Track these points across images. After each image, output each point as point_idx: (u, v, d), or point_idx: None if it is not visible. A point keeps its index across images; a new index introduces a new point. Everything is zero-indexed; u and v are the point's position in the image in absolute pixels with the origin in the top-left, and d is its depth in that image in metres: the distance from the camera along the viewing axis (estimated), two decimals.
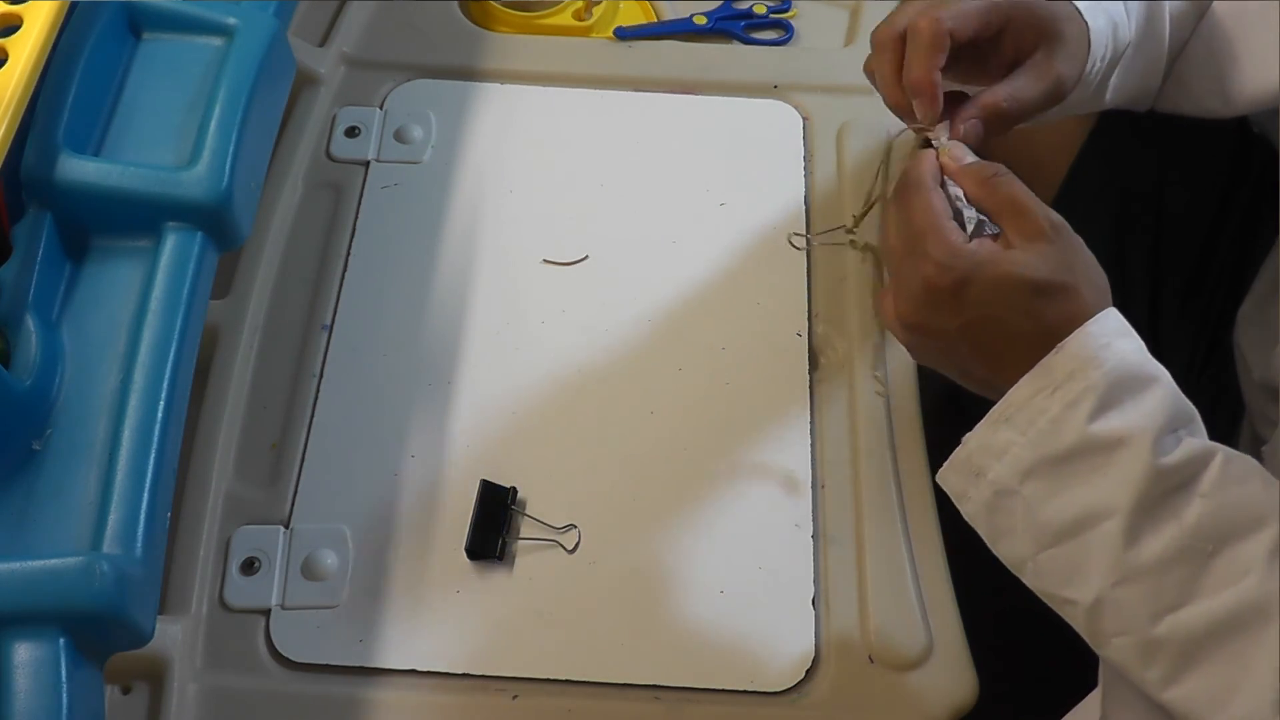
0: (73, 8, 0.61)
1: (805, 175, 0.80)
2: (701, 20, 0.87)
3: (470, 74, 0.84)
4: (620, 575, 0.64)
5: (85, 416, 0.55)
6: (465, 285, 0.74)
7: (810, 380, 0.71)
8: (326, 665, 0.61)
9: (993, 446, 0.53)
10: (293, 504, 0.66)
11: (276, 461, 0.68)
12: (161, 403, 0.54)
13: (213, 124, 0.61)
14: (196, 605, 0.63)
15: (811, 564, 0.65)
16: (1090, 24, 0.63)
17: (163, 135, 0.62)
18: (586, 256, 0.76)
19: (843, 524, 0.66)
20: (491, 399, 0.70)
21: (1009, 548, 0.54)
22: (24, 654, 0.47)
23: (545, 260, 0.76)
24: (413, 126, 0.81)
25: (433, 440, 0.68)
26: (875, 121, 0.82)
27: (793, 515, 0.66)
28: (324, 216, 0.77)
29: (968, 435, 0.55)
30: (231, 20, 0.64)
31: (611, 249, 0.76)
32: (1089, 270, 0.54)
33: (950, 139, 0.59)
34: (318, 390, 0.70)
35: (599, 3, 0.88)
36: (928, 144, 0.60)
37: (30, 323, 0.55)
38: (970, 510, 0.55)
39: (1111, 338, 0.52)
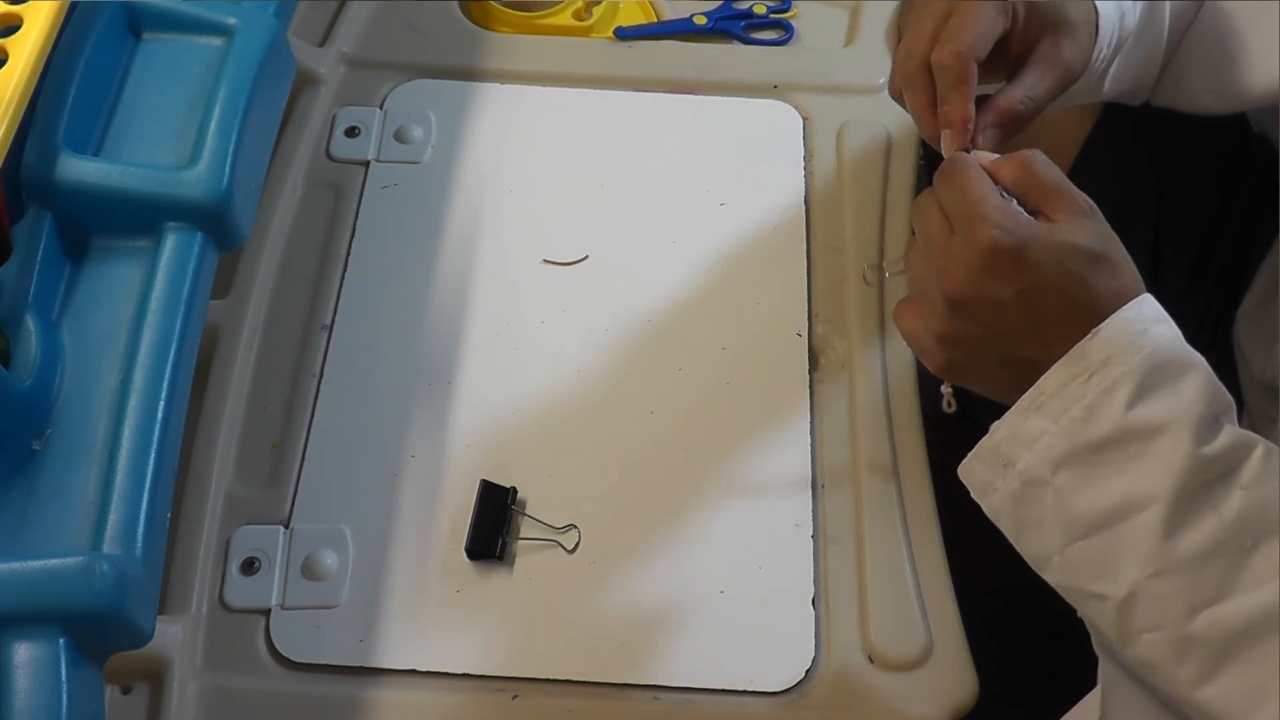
0: (73, 8, 0.61)
1: (805, 175, 0.80)
2: (701, 20, 0.87)
3: (470, 74, 0.84)
4: (620, 575, 0.64)
5: (85, 416, 0.55)
6: (465, 285, 0.74)
7: (810, 380, 0.71)
8: (326, 665, 0.61)
9: (1023, 435, 0.52)
10: (293, 504, 0.66)
11: (276, 461, 0.68)
12: (161, 403, 0.54)
13: (213, 124, 0.61)
14: (196, 605, 0.63)
15: (811, 564, 0.65)
16: (1100, 9, 0.62)
17: (163, 135, 0.62)
18: (586, 256, 0.76)
19: (843, 524, 0.66)
20: (491, 399, 0.70)
21: (1035, 541, 0.53)
22: (24, 654, 0.47)
23: (545, 260, 0.76)
24: (413, 126, 0.81)
25: (433, 440, 0.68)
26: (875, 121, 0.82)
27: (793, 515, 0.66)
28: (324, 216, 0.77)
29: (995, 424, 0.53)
30: (231, 20, 0.64)
31: (611, 249, 0.76)
32: (1125, 250, 0.54)
33: (975, 150, 0.59)
34: (318, 390, 0.70)
35: (599, 3, 0.88)
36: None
37: (30, 323, 0.55)
38: (995, 503, 0.54)
39: (1148, 323, 0.51)
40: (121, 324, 0.57)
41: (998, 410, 0.54)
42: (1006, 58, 0.62)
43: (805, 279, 0.75)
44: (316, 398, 0.70)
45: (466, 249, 0.76)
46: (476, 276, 0.75)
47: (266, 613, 0.63)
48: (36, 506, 0.52)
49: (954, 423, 0.61)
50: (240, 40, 0.64)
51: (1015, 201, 0.55)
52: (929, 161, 0.81)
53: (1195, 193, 0.84)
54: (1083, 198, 0.54)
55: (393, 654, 0.62)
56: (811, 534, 0.66)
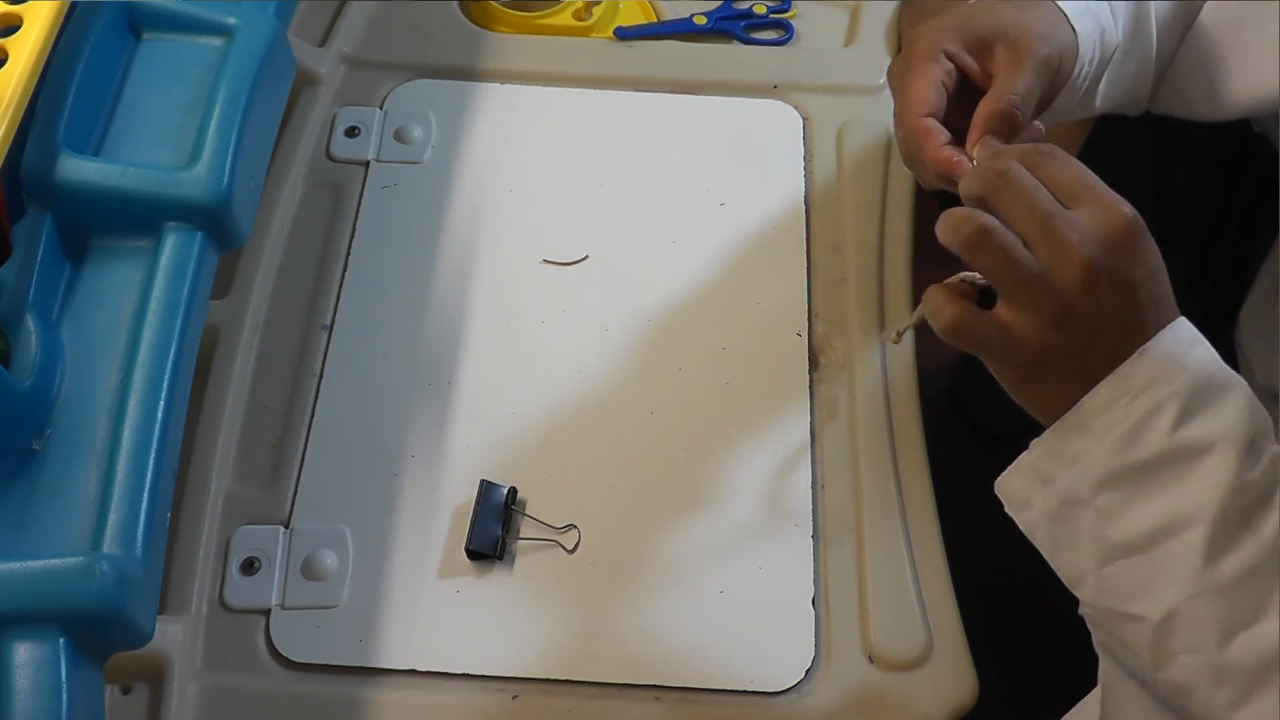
0: (73, 8, 0.61)
1: (805, 175, 0.80)
2: (701, 20, 0.87)
3: (470, 74, 0.84)
4: (620, 575, 0.64)
5: (85, 416, 0.55)
6: (465, 285, 0.74)
7: (810, 380, 0.71)
8: (326, 665, 0.61)
9: (1063, 454, 0.51)
10: (293, 504, 0.66)
11: (276, 461, 0.68)
12: (161, 403, 0.54)
13: (213, 124, 0.61)
14: (196, 605, 0.63)
15: (811, 564, 0.65)
16: (1078, 27, 0.63)
17: (163, 135, 0.62)
18: (586, 256, 0.76)
19: (843, 524, 0.66)
20: (491, 399, 0.70)
21: (1071, 560, 0.52)
22: (24, 654, 0.47)
23: (545, 260, 0.76)
24: (413, 126, 0.81)
25: (433, 440, 0.68)
26: (875, 121, 0.82)
27: (793, 515, 0.66)
28: (324, 216, 0.77)
29: (1034, 441, 0.53)
30: (231, 20, 0.64)
31: (611, 249, 0.76)
32: None
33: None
34: (318, 390, 0.70)
35: (599, 3, 0.88)
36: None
37: (30, 323, 0.55)
38: (1031, 519, 0.53)
39: (1187, 345, 0.51)
40: (121, 324, 0.57)
41: (997, 409, 0.54)
42: (981, 89, 0.62)
43: (805, 279, 0.75)
44: (316, 398, 0.70)
45: (466, 249, 0.76)
46: (476, 277, 0.75)
47: (266, 613, 0.63)
48: (36, 506, 0.52)
49: (954, 423, 0.61)
50: (240, 40, 0.64)
51: None
52: None
53: (1195, 194, 0.84)
54: None
55: (393, 654, 0.62)
56: (811, 534, 0.66)
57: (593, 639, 0.62)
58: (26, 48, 0.56)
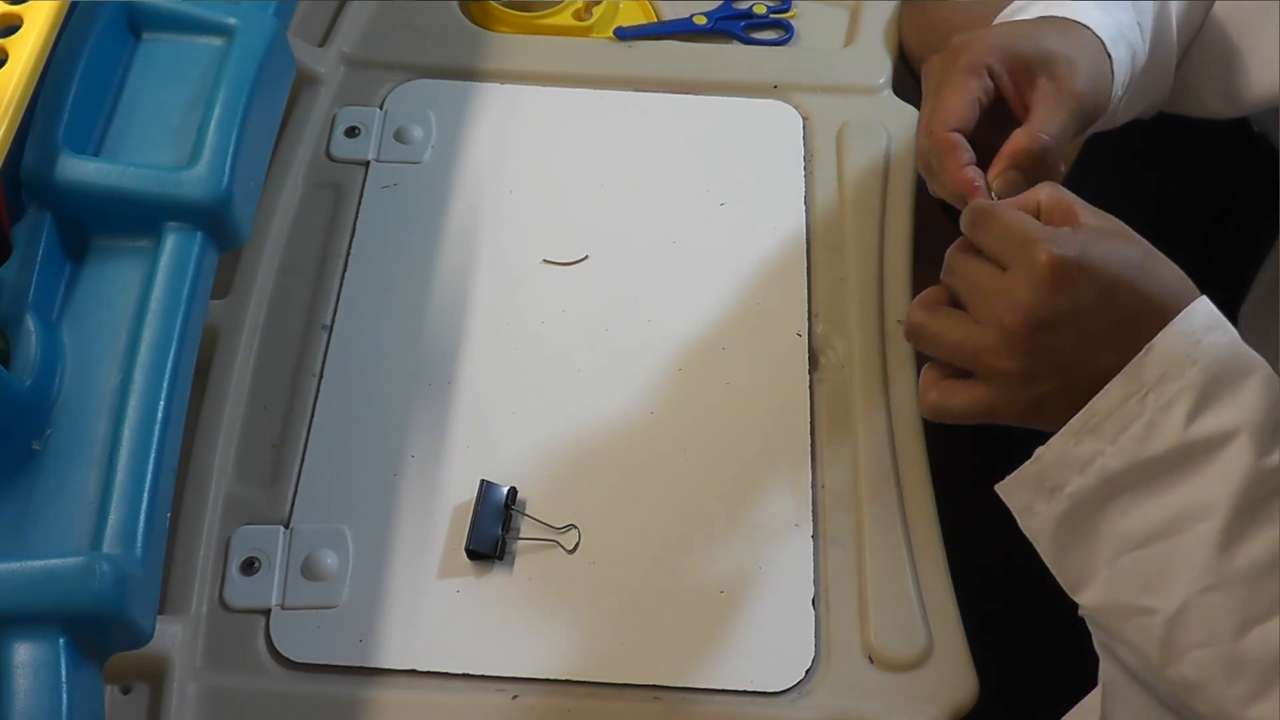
0: (73, 8, 0.61)
1: (805, 175, 0.80)
2: (701, 20, 0.88)
3: (470, 74, 0.84)
4: (620, 575, 0.64)
5: (85, 416, 0.55)
6: (465, 285, 0.74)
7: (810, 380, 0.71)
8: (326, 665, 0.61)
9: (1073, 459, 0.51)
10: (293, 504, 0.66)
11: (276, 461, 0.68)
12: (161, 403, 0.54)
13: (213, 124, 0.61)
14: (196, 605, 0.63)
15: (811, 564, 0.65)
16: (1113, 54, 0.62)
17: (163, 135, 0.62)
18: (586, 256, 0.76)
19: (843, 524, 0.66)
20: (491, 399, 0.70)
21: (1080, 559, 0.52)
22: (24, 654, 0.47)
23: (545, 260, 0.76)
24: (413, 126, 0.81)
25: (433, 440, 0.68)
26: (875, 121, 0.82)
27: (793, 515, 0.66)
28: (324, 216, 0.77)
29: (1040, 449, 0.53)
30: (231, 20, 0.64)
31: (611, 249, 0.76)
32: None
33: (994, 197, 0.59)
34: (318, 390, 0.70)
35: (599, 3, 0.88)
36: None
37: (30, 323, 0.55)
38: (1035, 525, 0.53)
39: (1201, 334, 0.50)
40: (121, 324, 0.57)
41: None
42: (1016, 117, 0.61)
43: (805, 279, 0.75)
44: (316, 398, 0.70)
45: (466, 249, 0.76)
46: (476, 277, 0.75)
47: (266, 613, 0.63)
48: (36, 506, 0.52)
49: (954, 423, 0.60)
50: (240, 40, 0.64)
51: None
52: None
53: (1195, 194, 0.84)
54: (1102, 213, 0.54)
55: (393, 654, 0.62)
56: (811, 534, 0.66)
57: (593, 639, 0.62)
58: (26, 48, 0.56)
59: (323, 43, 0.85)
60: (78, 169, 0.58)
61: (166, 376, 0.55)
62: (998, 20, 0.66)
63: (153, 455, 0.53)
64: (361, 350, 0.72)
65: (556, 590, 0.64)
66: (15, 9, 0.58)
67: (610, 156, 0.81)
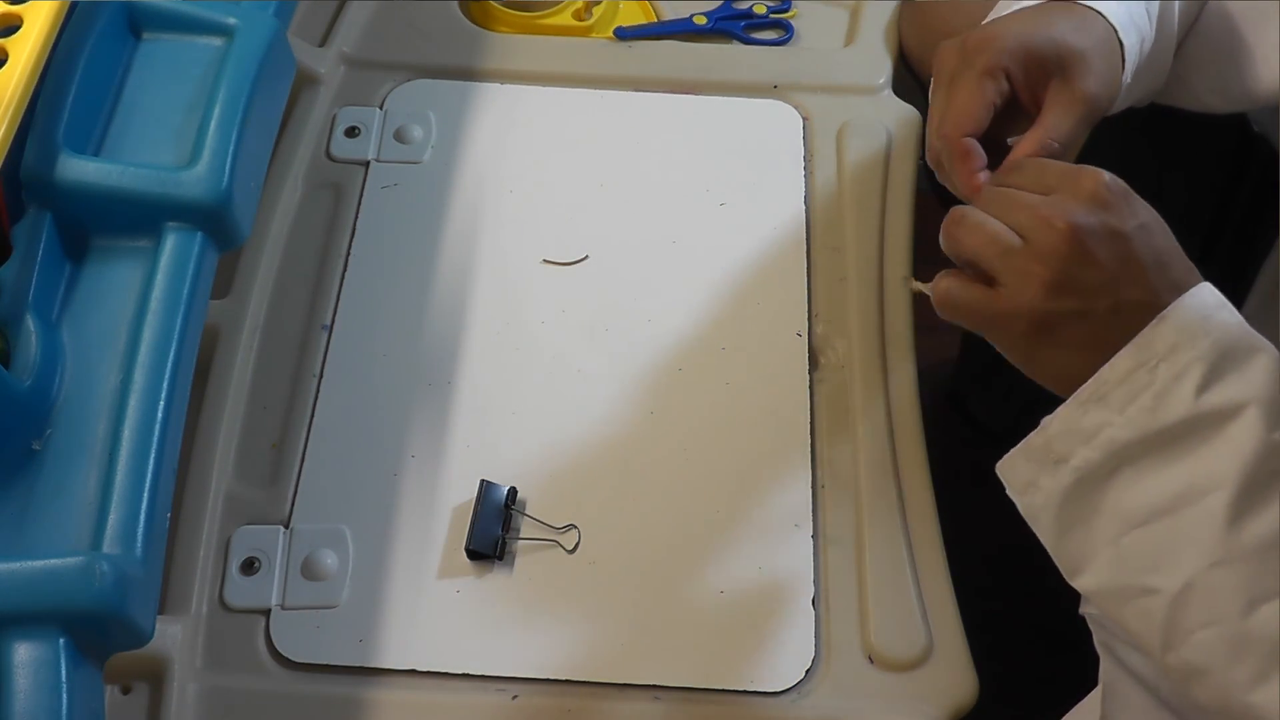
0: (73, 8, 0.61)
1: (805, 175, 0.80)
2: (701, 20, 0.88)
3: (470, 74, 0.84)
4: (620, 575, 0.64)
5: (85, 416, 0.55)
6: (465, 285, 0.74)
7: (810, 380, 0.71)
8: (326, 665, 0.61)
9: (1081, 430, 0.50)
10: (293, 504, 0.66)
11: (276, 461, 0.68)
12: (161, 403, 0.54)
13: (213, 124, 0.61)
14: (196, 605, 0.63)
15: (811, 564, 0.65)
16: (1124, 41, 0.62)
17: (163, 135, 0.62)
18: (586, 256, 0.76)
19: (843, 524, 0.66)
20: (491, 399, 0.70)
21: (1082, 537, 0.51)
22: (24, 654, 0.47)
23: (545, 260, 0.76)
24: (413, 126, 0.81)
25: (433, 440, 0.68)
26: (875, 121, 0.82)
27: (793, 515, 0.66)
28: (324, 216, 0.77)
29: (1046, 420, 0.52)
30: (231, 20, 0.64)
31: (611, 249, 0.76)
32: None
33: None
34: (318, 390, 0.70)
35: (599, 3, 0.88)
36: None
37: (30, 323, 0.55)
38: (1036, 501, 0.53)
39: (1213, 309, 0.50)
40: (121, 324, 0.57)
41: (997, 409, 0.54)
42: (1026, 112, 0.61)
43: (805, 279, 0.75)
44: (316, 398, 0.70)
45: (466, 249, 0.76)
46: (476, 276, 0.75)
47: (266, 613, 0.63)
48: (36, 506, 0.52)
49: (954, 423, 0.60)
50: (240, 40, 0.64)
51: None
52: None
53: (1195, 193, 0.84)
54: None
55: (393, 654, 0.62)
56: (811, 534, 0.66)
57: (593, 639, 0.62)
58: (26, 48, 0.56)
59: (323, 43, 0.85)
60: (78, 169, 0.58)
61: (166, 376, 0.55)
62: (1009, 8, 0.65)
63: (153, 455, 0.53)
64: (361, 350, 0.72)
65: (556, 590, 0.64)
66: (15, 9, 0.58)
67: (610, 156, 0.81)
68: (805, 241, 0.77)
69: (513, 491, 0.66)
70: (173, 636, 0.61)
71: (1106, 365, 0.50)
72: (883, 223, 0.77)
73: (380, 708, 0.60)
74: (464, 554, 0.64)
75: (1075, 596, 0.55)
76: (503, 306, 0.74)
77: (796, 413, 0.70)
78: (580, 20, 0.87)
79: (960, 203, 0.58)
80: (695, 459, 0.68)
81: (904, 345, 0.72)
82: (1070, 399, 0.51)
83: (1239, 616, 0.47)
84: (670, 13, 0.89)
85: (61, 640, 0.48)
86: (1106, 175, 0.52)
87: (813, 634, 0.63)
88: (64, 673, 0.47)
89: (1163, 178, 0.82)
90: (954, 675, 0.62)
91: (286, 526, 0.65)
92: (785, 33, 0.88)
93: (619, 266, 0.76)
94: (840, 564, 0.65)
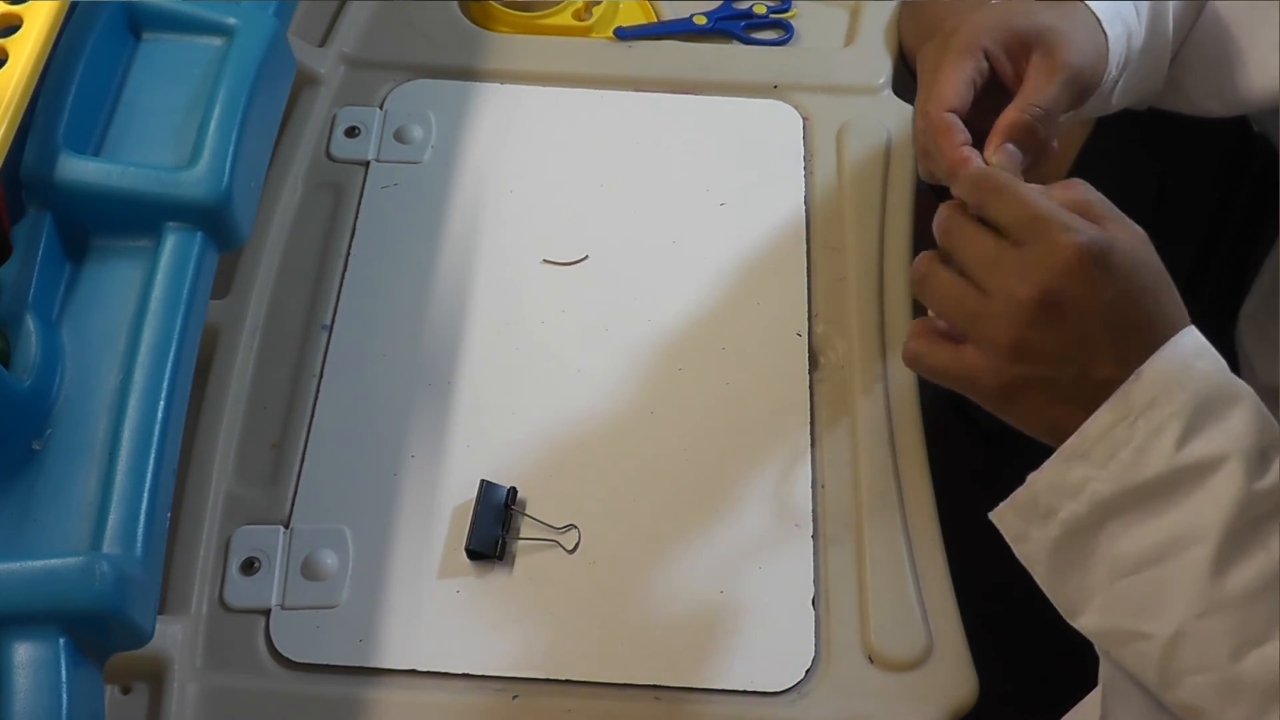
0: (73, 8, 0.61)
1: (805, 175, 0.80)
2: (701, 20, 0.87)
3: (470, 74, 0.84)
4: (620, 575, 0.64)
5: (85, 416, 0.55)
6: (465, 285, 0.74)
7: (810, 380, 0.71)
8: (326, 665, 0.61)
9: (1065, 485, 0.51)
10: (293, 504, 0.66)
11: (276, 461, 0.68)
12: (161, 403, 0.54)
13: (213, 124, 0.61)
14: (196, 605, 0.63)
15: (811, 564, 0.65)
16: (1109, 31, 0.62)
17: (163, 135, 0.62)
18: (586, 256, 0.76)
19: (843, 524, 0.66)
20: (491, 399, 0.70)
21: (1074, 585, 0.52)
22: (24, 654, 0.47)
23: (545, 260, 0.76)
24: (413, 126, 0.81)
25: (433, 440, 0.68)
26: (875, 121, 0.82)
27: (793, 515, 0.66)
28: (324, 216, 0.77)
29: (1032, 475, 0.52)
30: (231, 20, 0.64)
31: (611, 249, 0.76)
32: None
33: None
34: (318, 390, 0.70)
35: (599, 3, 0.88)
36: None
37: (30, 323, 0.55)
38: (1029, 550, 0.53)
39: (1190, 359, 0.50)
40: (121, 324, 0.57)
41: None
42: (1009, 91, 0.62)
43: (805, 279, 0.75)
44: (316, 398, 0.70)
45: (466, 249, 0.76)
46: (476, 276, 0.75)
47: (266, 613, 0.63)
48: (37, 506, 0.52)
49: (954, 423, 0.60)
50: (240, 40, 0.64)
51: None
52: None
53: (1195, 193, 0.84)
54: (1130, 222, 0.53)
55: (393, 654, 0.62)
56: (811, 534, 0.66)
57: (593, 639, 0.62)
58: (26, 48, 0.56)
59: (323, 43, 0.85)
60: (78, 169, 0.58)
61: (166, 376, 0.55)
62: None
63: (153, 455, 0.53)
64: (361, 350, 0.72)
65: (556, 590, 0.64)
66: (15, 9, 0.58)
67: (610, 156, 0.81)
68: (805, 241, 0.77)
69: (513, 491, 0.66)
70: (173, 636, 0.61)
71: (1089, 420, 0.50)
72: (883, 223, 0.77)
73: (380, 708, 0.60)
74: (464, 554, 0.64)
75: None
76: (503, 306, 0.74)
77: (796, 413, 0.70)
78: (580, 20, 0.87)
79: (950, 196, 0.58)
80: (695, 459, 0.68)
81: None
82: (1055, 454, 0.51)
83: (1229, 662, 0.48)
84: (670, 13, 0.89)
85: (61, 640, 0.48)
86: (1085, 238, 0.50)
87: (812, 634, 0.63)
88: (64, 673, 0.47)
89: (1163, 179, 0.83)
90: (954, 675, 0.62)
91: (286, 526, 0.65)
92: (785, 33, 0.88)
93: (619, 266, 0.76)
94: (840, 564, 0.65)
